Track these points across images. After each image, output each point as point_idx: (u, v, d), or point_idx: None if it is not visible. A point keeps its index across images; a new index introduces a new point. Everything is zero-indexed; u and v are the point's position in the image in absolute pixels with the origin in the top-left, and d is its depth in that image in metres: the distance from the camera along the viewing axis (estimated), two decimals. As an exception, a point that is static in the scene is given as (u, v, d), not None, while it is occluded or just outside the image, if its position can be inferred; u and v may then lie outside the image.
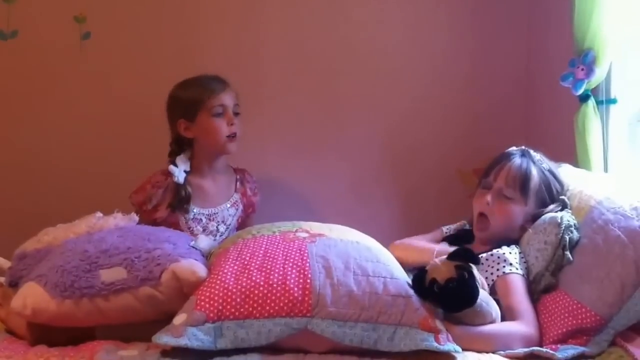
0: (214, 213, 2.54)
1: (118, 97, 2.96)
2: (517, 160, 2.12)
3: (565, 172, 2.26)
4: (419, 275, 1.73)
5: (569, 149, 2.40)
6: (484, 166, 2.23)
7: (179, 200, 2.47)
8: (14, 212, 2.85)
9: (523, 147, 2.20)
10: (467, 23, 3.02)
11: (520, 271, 1.95)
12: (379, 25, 3.02)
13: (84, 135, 2.95)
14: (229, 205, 2.58)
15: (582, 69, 2.28)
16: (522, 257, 2.01)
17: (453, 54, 3.03)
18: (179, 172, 2.47)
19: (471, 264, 1.72)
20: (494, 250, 2.02)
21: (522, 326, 1.80)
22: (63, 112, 2.95)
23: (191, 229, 2.48)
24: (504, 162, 2.14)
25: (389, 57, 3.02)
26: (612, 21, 2.21)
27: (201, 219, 2.51)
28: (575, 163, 2.35)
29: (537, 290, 1.93)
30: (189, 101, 2.49)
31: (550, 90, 2.68)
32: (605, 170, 2.34)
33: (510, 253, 2.00)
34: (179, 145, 2.54)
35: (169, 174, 2.48)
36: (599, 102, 2.34)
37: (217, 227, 2.53)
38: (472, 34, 3.02)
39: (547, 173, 2.13)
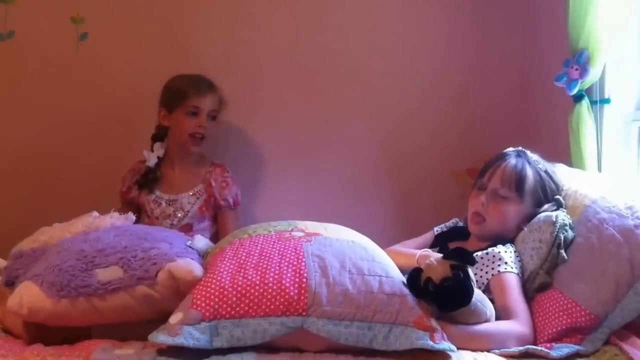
0: (174, 199, 2.71)
1: (115, 98, 2.95)
2: (512, 160, 2.13)
3: (560, 172, 2.26)
4: (414, 274, 1.72)
5: (563, 149, 2.41)
6: (477, 166, 2.23)
7: (145, 180, 2.71)
8: (10, 212, 2.84)
9: (519, 148, 2.20)
10: (462, 25, 3.03)
11: (515, 270, 1.96)
12: (376, 27, 3.02)
13: (81, 135, 2.94)
14: (190, 194, 2.72)
15: (576, 69, 2.28)
16: (517, 256, 2.01)
17: (449, 55, 3.03)
18: (152, 156, 2.71)
19: (466, 264, 1.72)
20: (490, 249, 2.02)
21: (517, 325, 1.80)
22: (60, 112, 2.94)
23: (152, 210, 2.70)
24: (499, 163, 2.14)
25: (386, 58, 3.03)
26: (606, 21, 2.21)
27: (161, 203, 2.71)
28: (570, 163, 2.35)
29: (532, 288, 1.93)
30: (173, 93, 2.69)
31: (544, 90, 2.69)
32: (599, 169, 2.34)
33: (505, 252, 2.00)
34: (160, 132, 2.77)
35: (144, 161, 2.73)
36: (593, 102, 2.35)
37: (174, 212, 2.69)
38: (468, 35, 3.03)
39: (542, 174, 2.13)
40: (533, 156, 2.16)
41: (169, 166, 2.76)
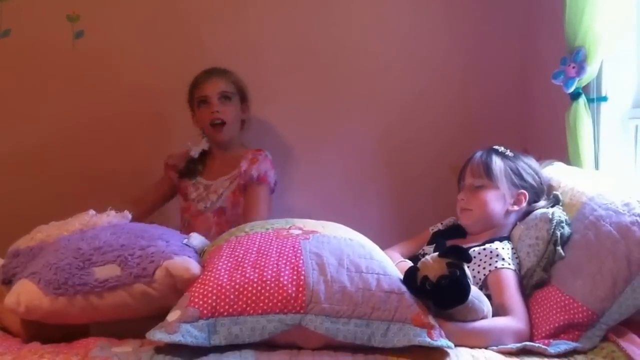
0: (210, 184, 2.75)
1: (111, 96, 2.95)
2: (477, 154, 2.22)
3: (557, 170, 2.27)
4: (411, 272, 1.72)
5: (560, 147, 2.41)
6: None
7: (187, 169, 2.78)
8: (7, 210, 2.84)
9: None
10: (461, 22, 3.03)
11: (512, 266, 1.96)
12: (374, 23, 3.02)
13: (77, 134, 2.94)
14: (225, 178, 2.74)
15: (574, 67, 2.28)
16: (515, 253, 2.02)
17: (448, 52, 3.03)
18: (195, 148, 2.78)
19: (462, 261, 1.72)
20: (487, 245, 2.03)
21: (514, 322, 1.81)
22: (56, 110, 2.94)
23: (190, 193, 2.75)
24: (468, 161, 2.24)
25: (385, 54, 3.03)
26: (603, 19, 2.21)
27: (199, 187, 2.75)
28: (567, 160, 2.36)
29: (529, 285, 1.93)
30: (188, 95, 2.75)
31: (542, 88, 2.69)
32: (597, 167, 2.34)
33: (502, 248, 2.01)
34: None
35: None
36: (590, 100, 2.34)
37: (207, 195, 2.73)
38: (467, 33, 3.03)
39: (511, 157, 2.19)
40: (500, 148, 2.22)
41: (211, 157, 2.81)
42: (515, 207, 2.14)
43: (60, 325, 1.73)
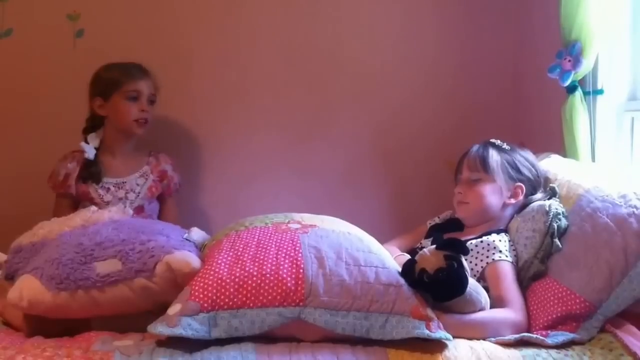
0: (122, 182, 2.65)
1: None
2: (474, 148, 2.21)
3: (554, 162, 2.27)
4: (408, 265, 1.72)
5: (556, 140, 2.40)
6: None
7: (89, 173, 2.61)
8: (10, 208, 2.84)
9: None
10: (455, 17, 3.02)
11: (509, 258, 1.96)
12: (369, 19, 3.00)
13: (78, 133, 2.93)
14: (137, 175, 2.68)
15: (569, 61, 2.28)
16: (512, 245, 2.02)
17: (442, 47, 3.02)
18: (90, 148, 2.61)
19: (460, 254, 1.71)
20: (484, 237, 2.02)
21: (511, 313, 1.80)
22: (57, 109, 2.93)
23: (101, 197, 2.61)
24: (464, 155, 2.23)
25: (380, 50, 3.01)
26: (598, 12, 2.20)
27: (109, 188, 2.63)
28: (563, 153, 2.35)
29: (526, 277, 1.93)
30: (108, 81, 2.61)
31: (537, 81, 2.68)
32: (593, 160, 2.33)
33: (500, 241, 2.00)
34: (93, 123, 2.67)
35: (79, 152, 2.63)
36: (586, 93, 2.34)
37: (125, 194, 2.64)
38: (461, 27, 3.02)
39: (507, 151, 2.18)
40: (497, 141, 2.22)
41: (107, 154, 2.67)
42: (512, 200, 2.13)
43: (62, 320, 1.73)
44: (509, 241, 2.03)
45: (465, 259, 1.75)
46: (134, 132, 2.64)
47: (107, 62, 2.65)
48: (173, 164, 2.76)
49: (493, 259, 1.95)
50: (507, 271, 1.93)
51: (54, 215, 2.45)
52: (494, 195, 2.13)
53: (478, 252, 1.98)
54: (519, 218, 2.06)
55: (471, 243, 2.00)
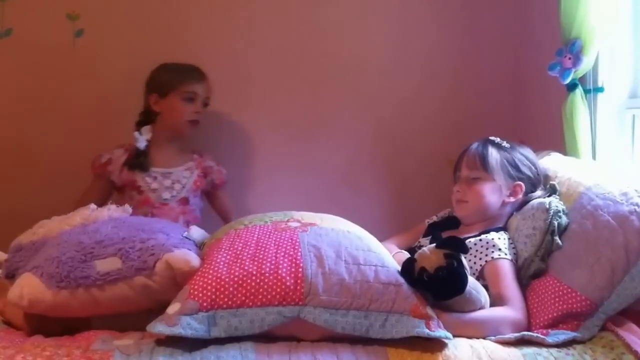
0: (168, 172, 2.72)
1: (111, 94, 2.93)
2: (473, 146, 2.19)
3: (554, 160, 2.25)
4: (408, 264, 1.70)
5: (557, 138, 2.39)
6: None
7: (138, 162, 2.68)
8: (9, 207, 2.83)
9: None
10: (455, 15, 3.01)
11: (508, 256, 1.94)
12: (369, 17, 2.99)
13: (78, 132, 2.93)
14: (183, 169, 2.75)
15: (570, 58, 2.26)
16: (511, 243, 2.00)
17: (442, 46, 3.01)
18: (142, 139, 2.68)
19: (459, 252, 1.70)
20: (483, 236, 2.01)
21: (511, 311, 1.79)
22: (57, 109, 2.93)
23: (148, 184, 2.68)
24: (463, 153, 2.21)
25: (380, 49, 3.00)
26: (598, 10, 2.18)
27: (156, 176, 2.69)
28: (564, 151, 2.33)
29: (527, 275, 1.91)
30: (167, 80, 2.69)
31: (538, 79, 2.67)
32: (594, 158, 2.32)
33: (499, 239, 1.99)
34: (147, 117, 2.74)
35: (130, 143, 2.70)
36: (586, 91, 2.32)
37: (172, 184, 2.70)
38: (461, 26, 3.01)
39: (507, 149, 2.16)
40: (496, 139, 2.20)
41: (156, 147, 2.73)
42: (512, 199, 2.11)
43: (62, 318, 1.72)
44: (509, 239, 2.02)
45: (465, 257, 1.74)
46: (185, 132, 2.73)
47: (169, 62, 2.73)
48: (216, 161, 2.82)
49: (492, 257, 1.93)
50: (506, 269, 1.91)
51: (82, 195, 2.60)
52: (493, 194, 2.11)
53: (477, 251, 1.97)
54: (519, 216, 2.05)
55: (470, 242, 1.99)
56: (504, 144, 2.18)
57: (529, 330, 1.74)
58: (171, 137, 2.75)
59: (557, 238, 1.87)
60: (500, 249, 1.95)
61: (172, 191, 2.69)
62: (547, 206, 1.93)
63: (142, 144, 2.68)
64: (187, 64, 2.72)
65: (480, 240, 2.00)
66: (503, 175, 2.11)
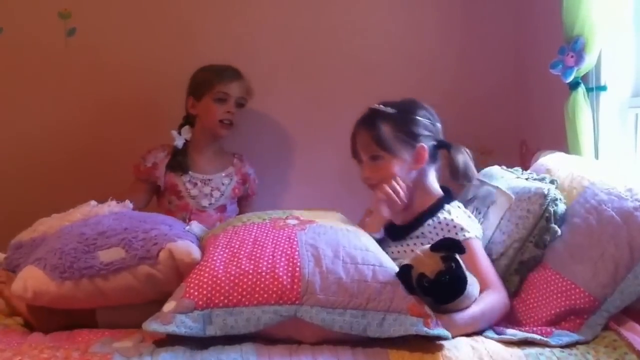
0: (208, 179, 2.73)
1: (104, 93, 2.92)
2: (360, 126, 2.05)
3: (556, 159, 2.22)
4: (405, 270, 1.65)
5: (559, 137, 2.36)
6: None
7: (177, 162, 2.70)
8: (7, 205, 2.83)
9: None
10: (456, 13, 3.00)
11: (473, 233, 1.89)
12: (368, 15, 2.98)
13: (72, 131, 2.93)
14: (223, 175, 2.76)
15: (572, 57, 2.23)
16: (465, 212, 1.95)
17: (443, 44, 2.99)
18: (179, 138, 2.71)
19: (456, 253, 1.66)
20: (439, 215, 1.94)
21: (496, 295, 1.77)
22: (50, 108, 2.92)
23: (188, 190, 2.70)
24: (353, 136, 2.08)
25: (380, 49, 2.99)
26: (601, 7, 2.14)
27: (196, 183, 2.71)
28: (566, 150, 2.30)
29: (518, 260, 1.87)
30: (201, 82, 2.70)
31: (540, 78, 2.65)
32: (596, 156, 2.29)
33: (457, 216, 1.92)
34: (187, 121, 2.76)
35: (170, 145, 2.72)
36: (589, 89, 2.29)
37: (211, 192, 2.72)
38: (463, 23, 2.99)
39: (394, 115, 2.03)
40: (380, 107, 2.06)
41: (196, 151, 2.75)
42: (419, 165, 2.00)
43: (67, 310, 1.71)
44: (462, 209, 1.96)
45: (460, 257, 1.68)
46: (218, 133, 2.72)
47: (207, 64, 2.74)
48: (252, 169, 2.85)
49: (460, 240, 1.81)
50: (477, 249, 1.87)
51: (127, 195, 2.34)
52: (402, 170, 1.99)
53: (437, 234, 1.90)
54: (514, 197, 1.98)
55: (429, 225, 1.93)
56: (389, 110, 2.03)
57: (529, 325, 1.73)
58: (210, 140, 2.76)
59: (554, 226, 1.83)
60: (462, 228, 1.89)
61: (210, 199, 2.72)
62: (546, 192, 1.88)
63: (179, 142, 2.70)
64: (223, 64, 2.73)
65: (439, 222, 1.93)
66: (403, 146, 2.00)
